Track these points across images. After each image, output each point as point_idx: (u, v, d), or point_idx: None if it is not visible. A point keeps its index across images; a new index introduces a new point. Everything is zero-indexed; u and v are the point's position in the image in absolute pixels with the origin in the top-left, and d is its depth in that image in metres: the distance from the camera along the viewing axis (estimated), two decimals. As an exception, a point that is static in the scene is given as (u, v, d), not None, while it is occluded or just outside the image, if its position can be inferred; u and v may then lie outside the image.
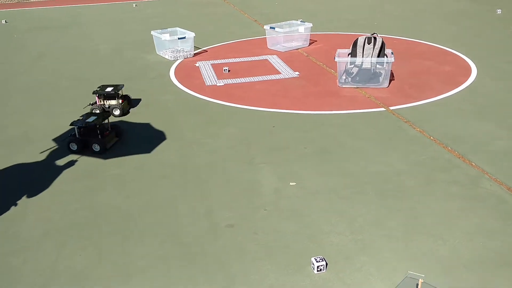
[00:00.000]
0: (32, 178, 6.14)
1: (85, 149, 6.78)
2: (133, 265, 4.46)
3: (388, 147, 6.66)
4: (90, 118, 6.83)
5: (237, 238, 4.80)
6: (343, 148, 6.68)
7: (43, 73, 10.74)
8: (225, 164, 6.33)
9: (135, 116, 8.13)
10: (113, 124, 7.25)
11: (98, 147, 6.71)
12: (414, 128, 7.19)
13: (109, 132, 6.96)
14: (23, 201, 5.61)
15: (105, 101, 8.12)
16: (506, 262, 4.29)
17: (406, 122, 7.44)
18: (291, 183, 5.79)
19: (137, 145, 6.99)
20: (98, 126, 6.75)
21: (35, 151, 6.85)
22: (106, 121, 7.04)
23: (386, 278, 4.16)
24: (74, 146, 6.76)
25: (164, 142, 7.06)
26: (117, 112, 8.02)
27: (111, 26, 15.65)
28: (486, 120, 7.38)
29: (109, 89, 8.08)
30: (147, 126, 7.64)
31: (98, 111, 7.88)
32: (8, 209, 5.45)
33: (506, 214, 5.00)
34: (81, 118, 6.95)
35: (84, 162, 6.52)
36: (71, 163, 6.50)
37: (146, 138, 7.20)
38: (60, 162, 6.55)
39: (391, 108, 8.02)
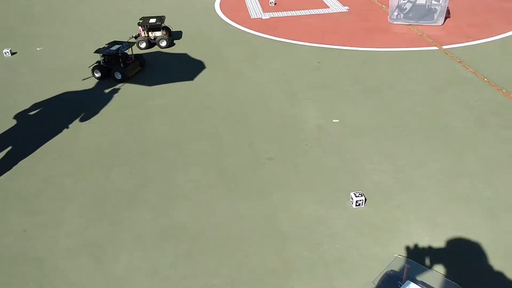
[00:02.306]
0: (82, 105, 6.35)
1: (108, 77, 6.94)
2: (177, 190, 4.64)
3: (439, 87, 6.41)
4: (114, 46, 6.94)
5: (278, 170, 4.87)
6: (390, 87, 6.48)
7: (94, 7, 10.81)
8: (269, 98, 6.31)
9: (179, 47, 8.13)
10: (137, 54, 7.33)
11: (120, 75, 6.86)
12: (468, 69, 6.85)
13: (132, 62, 7.05)
14: (75, 125, 5.85)
15: (149, 32, 8.12)
16: (553, 209, 4.17)
17: (459, 62, 7.08)
18: (334, 120, 5.73)
19: (181, 76, 7.05)
20: (120, 54, 6.83)
21: (85, 80, 7.04)
22: (130, 51, 7.10)
23: (425, 217, 4.15)
24: (98, 73, 6.94)
25: (208, 74, 7.07)
26: (163, 43, 8.02)
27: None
28: (547, 62, 6.93)
29: (152, 20, 8.04)
30: (191, 58, 7.65)
31: (144, 44, 7.93)
32: (61, 131, 5.71)
33: (559, 161, 4.80)
34: (106, 46, 7.04)
35: (131, 91, 6.67)
36: (118, 92, 6.66)
37: (191, 70, 7.23)
38: (108, 90, 6.72)
39: (444, 47, 7.63)
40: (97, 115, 6.07)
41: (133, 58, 7.11)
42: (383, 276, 3.31)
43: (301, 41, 8.10)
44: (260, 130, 5.60)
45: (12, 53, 8.09)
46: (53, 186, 4.77)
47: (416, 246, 3.75)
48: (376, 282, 3.31)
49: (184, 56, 7.76)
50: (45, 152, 5.35)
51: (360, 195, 4.29)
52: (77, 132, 5.73)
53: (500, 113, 5.72)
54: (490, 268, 3.64)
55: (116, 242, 4.03)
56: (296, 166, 4.94)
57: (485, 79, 6.53)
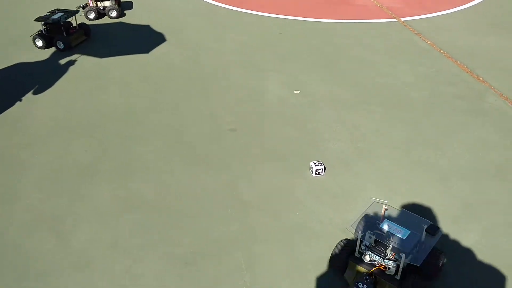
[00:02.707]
0: (35, 77, 6.11)
1: (50, 46, 6.73)
2: (137, 162, 4.58)
3: (397, 59, 6.53)
4: (56, 14, 6.70)
5: (240, 142, 4.88)
6: (350, 58, 6.55)
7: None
8: (230, 70, 6.26)
9: (135, 18, 7.90)
10: (82, 23, 7.11)
11: (62, 44, 6.65)
12: (425, 41, 6.99)
13: (76, 31, 6.85)
14: (29, 98, 5.63)
15: (98, 2, 7.81)
16: (500, 173, 4.38)
17: (417, 34, 7.22)
18: (295, 91, 5.76)
19: (139, 47, 6.87)
20: (62, 23, 6.61)
21: (37, 51, 6.75)
22: (73, 19, 6.90)
23: (382, 184, 4.28)
24: (39, 42, 6.70)
25: (168, 45, 6.93)
26: (113, 13, 7.72)
27: None
28: (501, 34, 7.15)
29: None
30: (150, 29, 7.46)
31: (93, 14, 7.64)
32: (13, 104, 5.49)
33: (507, 129, 5.01)
34: (48, 14, 6.78)
35: (87, 63, 6.46)
36: (74, 64, 6.44)
37: (150, 41, 7.05)
38: (63, 62, 6.49)
39: (403, 19, 7.74)
40: (52, 87, 5.86)
41: (77, 27, 6.90)
42: (361, 219, 3.42)
43: (263, 12, 8.02)
44: (222, 101, 5.57)
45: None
46: (8, 159, 4.61)
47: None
48: (354, 226, 3.39)
49: (143, 27, 7.55)
50: (-2, 125, 5.15)
51: (319, 164, 4.36)
52: (31, 104, 5.52)
53: (455, 84, 5.89)
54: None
55: (75, 215, 3.97)
56: (258, 136, 4.96)
57: (441, 51, 6.69)
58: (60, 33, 6.69)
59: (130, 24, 7.67)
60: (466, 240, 3.68)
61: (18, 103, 5.52)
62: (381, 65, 6.36)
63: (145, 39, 7.12)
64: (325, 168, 4.40)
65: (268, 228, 3.81)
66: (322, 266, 3.47)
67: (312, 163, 4.39)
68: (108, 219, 3.92)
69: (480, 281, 3.36)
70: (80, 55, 6.62)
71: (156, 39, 7.11)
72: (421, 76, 6.09)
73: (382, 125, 5.12)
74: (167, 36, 7.19)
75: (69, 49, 6.71)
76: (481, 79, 5.97)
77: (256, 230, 3.80)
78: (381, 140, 4.88)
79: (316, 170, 4.33)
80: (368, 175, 4.39)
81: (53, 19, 6.60)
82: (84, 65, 6.41)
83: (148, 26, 7.56)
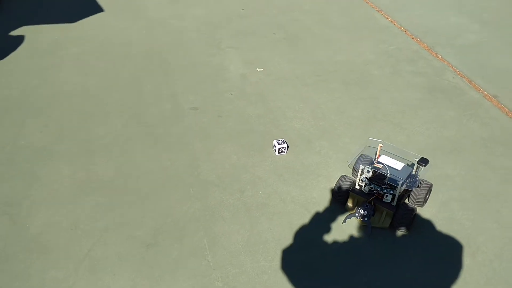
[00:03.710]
0: (-14, 54, 5.83)
1: None
2: (96, 143, 4.47)
3: (358, 36, 6.56)
4: None
5: (201, 120, 4.82)
6: (312, 35, 6.54)
7: None
8: (191, 47, 6.14)
9: (95, -8, 7.62)
10: None
11: None
12: (386, 18, 7.05)
13: None
14: (-22, 77, 5.38)
15: None
16: (456, 149, 4.51)
17: (378, 11, 7.26)
18: (258, 69, 5.72)
19: (96, 23, 6.63)
20: None
21: (-13, 25, 6.43)
22: None
23: (344, 161, 4.34)
24: None
25: (126, 21, 6.72)
26: None
27: None
28: (461, 13, 7.29)
29: None
30: (106, 4, 7.20)
31: None
32: (-38, 84, 5.24)
33: (464, 105, 5.16)
34: None
35: (42, 37, 6.19)
36: (26, 39, 6.16)
37: (106, 16, 6.82)
38: (14, 33, 6.19)
39: (365, -4, 7.77)
40: (4, 63, 5.60)
41: None
42: (358, 158, 3.91)
43: (224, -12, 7.86)
44: (183, 79, 5.47)
45: None
46: (-43, 143, 4.41)
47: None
48: (352, 163, 3.90)
49: (96, 3, 7.28)
50: None
51: (282, 143, 4.37)
52: (-19, 83, 5.27)
53: (414, 61, 5.99)
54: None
55: (30, 198, 3.84)
56: (220, 115, 4.91)
57: (402, 28, 6.76)
58: None
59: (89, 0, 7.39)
60: (424, 213, 3.79)
61: (-34, 82, 5.28)
62: (342, 42, 6.38)
63: (102, 15, 6.87)
64: (288, 147, 4.41)
65: (230, 207, 3.81)
66: (284, 243, 3.51)
67: (275, 141, 4.39)
68: (66, 202, 3.82)
69: (439, 250, 3.47)
70: (27, 26, 6.34)
71: (114, 14, 6.88)
72: (381, 53, 6.15)
73: (343, 102, 5.17)
74: (125, 12, 6.96)
75: None
76: (440, 56, 6.08)
77: (218, 210, 3.79)
78: (342, 118, 4.93)
79: (279, 149, 4.34)
80: (329, 153, 4.44)
81: None
82: (37, 39, 6.13)
83: (107, 2, 7.29)
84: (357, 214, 3.63)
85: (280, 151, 4.36)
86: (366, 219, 3.60)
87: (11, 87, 5.21)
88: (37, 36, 6.28)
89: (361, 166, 3.71)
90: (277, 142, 4.37)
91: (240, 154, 4.39)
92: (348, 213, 3.74)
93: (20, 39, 6.20)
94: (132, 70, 5.60)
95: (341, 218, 3.72)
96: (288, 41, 6.37)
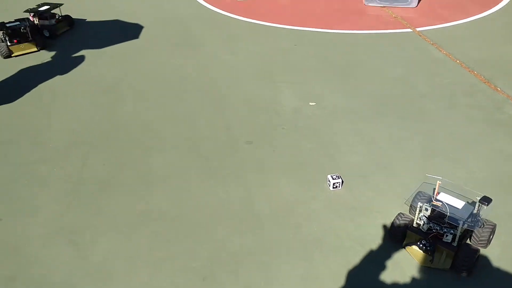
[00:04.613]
0: (53, 89, 6.21)
1: (37, 34, 7.38)
2: (154, 175, 4.62)
3: (412, 69, 6.50)
4: (43, 7, 7.58)
5: (255, 153, 4.89)
6: (365, 69, 6.54)
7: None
8: (245, 81, 6.29)
9: (154, 31, 7.99)
10: (66, 15, 7.95)
11: (48, 33, 7.51)
12: (440, 51, 6.96)
13: (60, 21, 7.73)
14: (46, 111, 5.72)
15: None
16: (521, 186, 4.32)
17: (432, 44, 7.19)
18: (311, 103, 5.77)
19: (155, 59, 6.95)
20: (48, 14, 7.49)
21: (43, 61, 6.88)
22: (58, 10, 7.79)
23: (401, 197, 4.24)
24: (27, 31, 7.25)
25: (183, 57, 6.99)
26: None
27: None
28: (518, 44, 7.10)
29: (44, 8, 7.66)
30: (165, 39, 7.54)
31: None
32: (31, 116, 5.58)
33: (527, 140, 4.95)
34: (35, 6, 7.62)
35: (104, 75, 6.55)
36: (90, 75, 6.53)
37: (165, 51, 7.13)
38: (78, 72, 6.58)
39: (418, 29, 7.72)
40: (66, 98, 5.95)
41: (61, 18, 7.79)
42: (415, 195, 3.82)
43: (276, 23, 8.07)
44: (237, 113, 5.60)
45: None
46: (28, 174, 4.68)
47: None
48: (410, 201, 3.83)
49: (159, 38, 7.64)
50: (18, 138, 5.23)
51: (337, 178, 4.35)
52: (48, 117, 5.60)
53: (471, 94, 5.85)
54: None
55: (93, 228, 4.01)
56: (273, 149, 4.97)
57: (457, 61, 6.65)
58: (47, 23, 7.55)
59: (152, 35, 7.76)
60: (487, 254, 3.63)
61: (36, 115, 5.62)
62: (397, 76, 6.34)
63: (161, 50, 7.20)
64: (342, 182, 4.38)
65: (285, 242, 3.80)
66: (339, 280, 3.45)
67: (329, 176, 4.37)
68: (126, 232, 3.95)
69: None
70: (91, 60, 6.73)
71: (173, 50, 7.19)
72: (437, 86, 6.05)
73: (399, 137, 5.10)
74: (183, 48, 7.26)
75: (54, 37, 7.54)
76: (498, 89, 5.91)
77: (272, 244, 3.79)
78: (398, 152, 4.85)
79: (334, 184, 4.32)
80: (385, 188, 4.37)
81: (40, 10, 7.49)
82: (100, 76, 6.49)
83: (166, 36, 7.65)
84: (419, 244, 3.54)
85: (334, 186, 4.33)
86: (428, 248, 3.48)
87: (77, 121, 5.52)
88: (101, 71, 6.65)
89: (419, 204, 3.63)
90: (332, 177, 4.35)
91: (295, 188, 4.40)
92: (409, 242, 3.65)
93: (84, 73, 6.58)
94: (189, 104, 5.80)
95: (397, 256, 3.62)
96: (341, 74, 6.41)
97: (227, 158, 4.83)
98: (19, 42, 7.07)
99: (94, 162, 4.83)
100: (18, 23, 7.16)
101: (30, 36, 7.13)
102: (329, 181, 4.35)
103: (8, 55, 7.01)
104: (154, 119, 5.51)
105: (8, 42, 7.03)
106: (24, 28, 7.07)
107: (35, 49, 7.20)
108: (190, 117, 5.54)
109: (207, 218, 4.08)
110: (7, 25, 7.09)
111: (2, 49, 6.95)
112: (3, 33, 7.07)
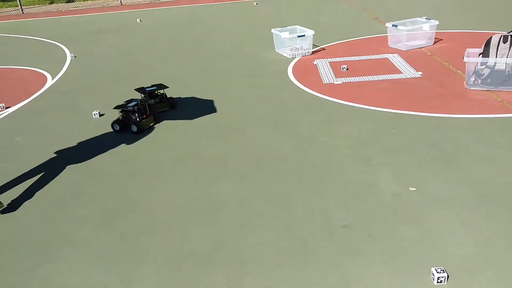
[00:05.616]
0: (161, 164, 6.66)
1: (125, 130, 7.86)
2: (248, 254, 4.65)
3: (523, 156, 6.09)
4: (131, 103, 8.01)
5: (352, 239, 4.76)
6: (470, 155, 6.24)
7: (172, 67, 11.58)
8: (342, 163, 6.28)
9: (251, 111, 8.40)
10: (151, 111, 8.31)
11: (136, 128, 7.76)
12: (555, 137, 6.48)
13: (147, 116, 8.02)
14: (147, 182, 6.12)
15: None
16: None
17: (545, 129, 6.73)
18: (411, 188, 5.57)
19: (255, 139, 7.23)
20: (136, 110, 7.82)
21: (145, 135, 7.44)
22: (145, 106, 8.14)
23: (516, 298, 3.83)
24: (116, 127, 7.87)
25: (281, 138, 7.21)
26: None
27: (232, 23, 16.31)
28: None
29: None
30: (265, 122, 7.87)
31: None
32: (134, 188, 5.99)
33: None
34: (124, 102, 8.11)
35: (206, 153, 6.92)
36: (192, 153, 6.94)
37: (264, 134, 7.41)
38: (182, 150, 7.03)
39: (528, 114, 7.31)
40: (174, 176, 6.32)
41: (148, 113, 8.09)
42: None
43: (374, 106, 8.10)
44: (334, 196, 5.55)
45: (100, 115, 8.73)
46: (130, 242, 4.95)
47: None
48: None
49: (256, 120, 7.99)
50: (121, 208, 5.61)
51: (442, 271, 4.06)
52: (149, 188, 5.97)
53: None
54: None
55: (189, 304, 4.06)
56: (371, 235, 4.80)
57: None
58: (134, 118, 7.86)
59: (251, 114, 8.18)
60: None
61: (139, 187, 6.03)
62: (505, 163, 5.96)
63: (260, 132, 7.50)
64: (448, 276, 4.07)
65: None
66: None
67: (433, 269, 4.09)
68: (220, 312, 3.94)
69: None
70: (204, 147, 7.16)
71: (271, 131, 7.46)
72: (553, 176, 5.57)
73: (510, 228, 4.69)
74: (280, 129, 7.51)
75: (141, 132, 7.76)
76: None
77: None
78: (509, 245, 4.44)
79: (438, 278, 4.02)
80: (497, 287, 3.97)
81: (128, 106, 7.90)
82: (203, 154, 6.86)
83: (266, 119, 7.99)
84: None
85: (439, 280, 4.03)
86: None
87: (177, 195, 5.81)
88: (201, 150, 7.03)
89: None
90: (436, 270, 4.07)
91: (394, 279, 4.16)
92: None
93: (185, 152, 6.99)
94: (285, 184, 5.88)
95: None
96: (443, 160, 6.17)
97: (322, 242, 4.75)
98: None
99: (193, 236, 4.99)
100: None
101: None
102: (433, 274, 4.06)
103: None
104: (251, 198, 5.64)
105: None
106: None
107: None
108: (285, 197, 5.59)
109: (301, 304, 3.96)
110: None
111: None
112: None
